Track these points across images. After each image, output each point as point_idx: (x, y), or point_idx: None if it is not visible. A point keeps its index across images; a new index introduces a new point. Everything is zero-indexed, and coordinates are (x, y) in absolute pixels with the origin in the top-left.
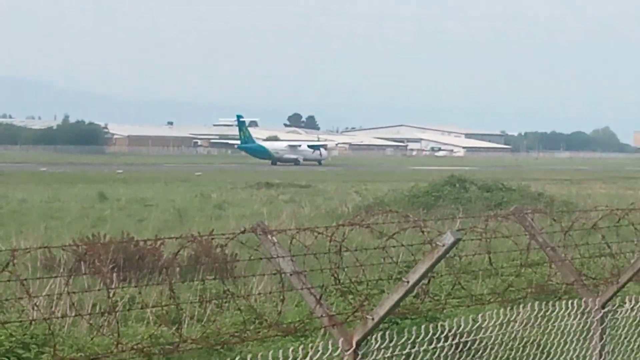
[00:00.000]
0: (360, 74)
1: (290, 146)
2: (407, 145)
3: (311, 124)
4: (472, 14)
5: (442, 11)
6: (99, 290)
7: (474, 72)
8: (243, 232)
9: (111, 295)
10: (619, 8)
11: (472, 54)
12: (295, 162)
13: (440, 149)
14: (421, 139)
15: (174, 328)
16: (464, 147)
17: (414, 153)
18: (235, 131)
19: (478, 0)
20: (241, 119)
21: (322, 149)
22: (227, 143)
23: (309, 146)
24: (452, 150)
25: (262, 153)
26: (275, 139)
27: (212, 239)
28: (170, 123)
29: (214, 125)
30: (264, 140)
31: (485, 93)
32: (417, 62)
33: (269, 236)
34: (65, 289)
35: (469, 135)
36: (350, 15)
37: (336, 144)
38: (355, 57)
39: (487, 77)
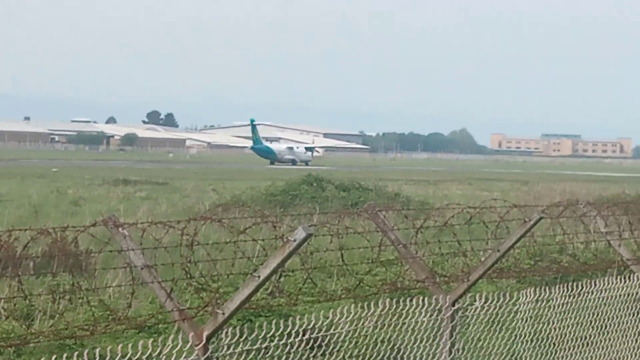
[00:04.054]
0: (218, 73)
1: (289, 148)
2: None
3: (170, 121)
4: (325, 8)
5: (294, 8)
6: None
7: (324, 73)
8: (94, 225)
9: None
10: (475, 12)
11: (324, 54)
12: (293, 162)
13: (298, 148)
14: (280, 138)
15: (25, 323)
16: (322, 147)
17: None
18: (92, 127)
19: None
20: (254, 123)
21: (313, 151)
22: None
23: (305, 148)
24: None
25: (269, 154)
26: (134, 136)
27: (64, 231)
28: (27, 118)
29: (72, 121)
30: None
31: (344, 93)
32: (274, 63)
33: (120, 229)
34: None
35: (327, 135)
36: (207, 10)
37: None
38: (214, 56)
39: (346, 77)
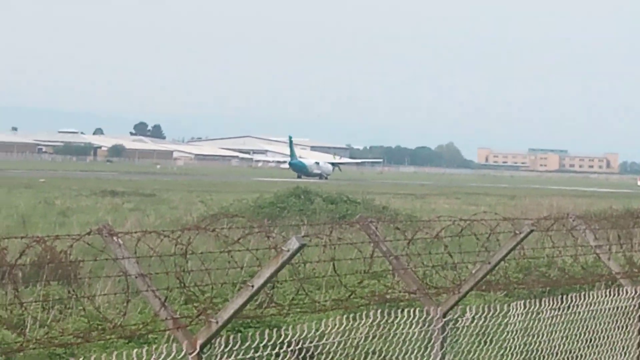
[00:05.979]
0: (206, 84)
1: (316, 163)
2: (252, 158)
3: (157, 133)
4: (303, 20)
5: (269, 23)
6: None
7: (320, 85)
8: (89, 234)
9: None
10: (455, 23)
11: (310, 67)
12: (320, 176)
13: (285, 162)
14: (267, 151)
15: (17, 332)
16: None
17: (260, 164)
18: (79, 138)
19: (341, 12)
20: (291, 139)
21: (336, 166)
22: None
23: (331, 163)
24: None
25: (302, 168)
26: (122, 147)
27: (57, 239)
28: (15, 129)
29: (59, 132)
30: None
31: (331, 106)
32: (261, 75)
33: (115, 238)
34: None
35: (314, 148)
36: (194, 19)
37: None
38: (201, 67)
39: (333, 90)
